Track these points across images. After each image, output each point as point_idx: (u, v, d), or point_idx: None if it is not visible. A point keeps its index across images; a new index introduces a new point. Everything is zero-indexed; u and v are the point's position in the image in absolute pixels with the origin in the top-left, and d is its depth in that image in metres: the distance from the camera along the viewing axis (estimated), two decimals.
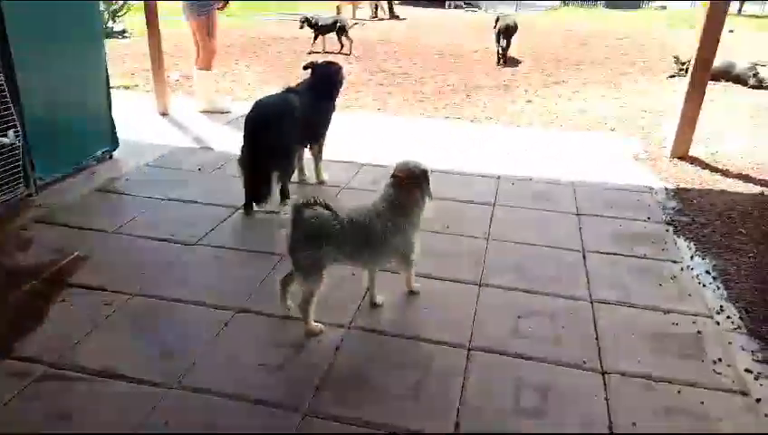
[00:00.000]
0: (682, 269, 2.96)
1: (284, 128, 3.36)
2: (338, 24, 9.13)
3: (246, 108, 3.49)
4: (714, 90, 6.81)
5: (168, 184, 3.86)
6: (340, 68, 3.83)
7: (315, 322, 2.40)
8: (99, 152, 4.21)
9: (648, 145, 4.91)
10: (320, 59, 4.16)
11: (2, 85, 3.30)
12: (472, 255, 3.07)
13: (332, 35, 9.20)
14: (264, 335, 2.43)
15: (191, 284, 2.77)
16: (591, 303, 2.67)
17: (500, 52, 8.36)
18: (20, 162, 3.49)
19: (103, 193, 3.78)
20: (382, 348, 2.35)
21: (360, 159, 4.40)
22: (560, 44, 10.27)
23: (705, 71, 4.29)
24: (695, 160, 4.50)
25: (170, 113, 5.52)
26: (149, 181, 3.95)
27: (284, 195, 3.53)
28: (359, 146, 4.69)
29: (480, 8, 17.22)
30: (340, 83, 3.84)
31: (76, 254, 2.99)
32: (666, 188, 4.01)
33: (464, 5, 17.60)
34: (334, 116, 3.88)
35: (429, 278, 2.83)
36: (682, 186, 4.04)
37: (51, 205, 3.54)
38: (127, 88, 6.58)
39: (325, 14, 9.90)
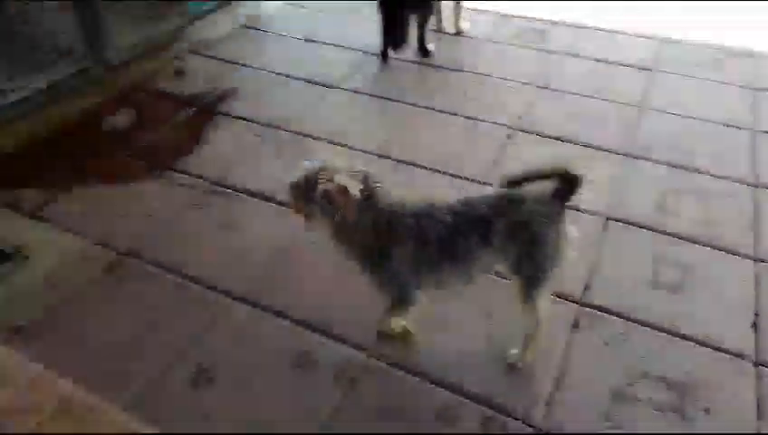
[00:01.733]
0: None
1: None
2: None
3: None
4: None
5: (307, 24, 3.84)
6: None
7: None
8: None
9: None
10: None
11: None
12: (622, 122, 2.83)
13: None
14: (400, 177, 2.49)
15: (332, 123, 2.85)
16: (756, 187, 2.40)
17: None
18: None
19: (249, 29, 3.86)
20: None
21: (505, 8, 4.04)
22: None
23: None
24: None
25: None
26: (292, 22, 3.94)
27: (422, 43, 3.40)
28: None
29: None
30: None
31: (227, 86, 3.16)
32: None
33: None
34: None
35: (571, 143, 2.68)
36: None
37: (201, 37, 3.69)
38: None
39: None
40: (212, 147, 2.71)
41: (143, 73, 3.27)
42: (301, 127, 2.82)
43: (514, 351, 1.71)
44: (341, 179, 1.39)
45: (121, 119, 2.91)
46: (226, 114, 2.94)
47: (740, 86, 3.13)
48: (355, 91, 3.14)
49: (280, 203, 2.32)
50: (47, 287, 1.98)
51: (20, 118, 2.75)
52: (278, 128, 2.81)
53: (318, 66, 3.35)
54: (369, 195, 1.44)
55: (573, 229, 1.57)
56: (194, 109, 2.99)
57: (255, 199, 2.37)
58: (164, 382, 1.68)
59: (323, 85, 3.19)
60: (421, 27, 3.37)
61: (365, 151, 2.63)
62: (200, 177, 2.50)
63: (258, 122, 2.86)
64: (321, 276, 2.02)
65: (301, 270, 2.06)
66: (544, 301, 1.61)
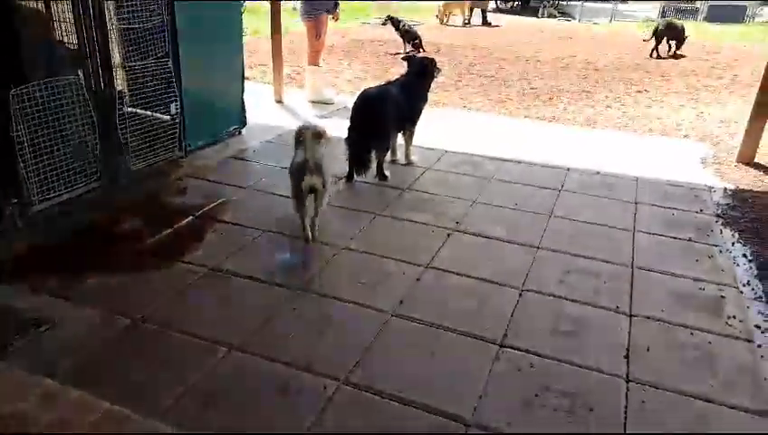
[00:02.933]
0: (720, 251, 3.39)
1: (385, 113, 4.11)
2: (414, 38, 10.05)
3: (349, 100, 4.31)
4: None
5: (285, 156, 4.70)
6: (434, 61, 4.52)
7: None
8: (231, 128, 5.17)
9: (718, 151, 5.21)
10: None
11: (170, 70, 4.27)
12: (535, 225, 3.65)
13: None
14: (362, 265, 3.16)
15: None
16: (632, 268, 3.18)
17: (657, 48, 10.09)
18: (177, 130, 4.48)
19: (236, 160, 4.71)
20: (453, 282, 3.01)
21: (444, 147, 5.07)
22: (647, 55, 10.38)
23: None
24: (761, 167, 4.78)
25: (285, 102, 6.46)
26: (270, 153, 4.84)
27: (380, 170, 4.28)
28: (444, 136, 5.35)
29: (574, 18, 17.31)
30: (434, 74, 4.53)
31: (221, 200, 3.89)
32: (725, 188, 4.36)
33: (557, 15, 17.75)
34: (425, 109, 4.59)
35: (496, 240, 3.46)
36: (741, 187, 4.37)
37: (197, 165, 4.49)
38: (248, 79, 7.63)
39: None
40: (211, 243, 3.35)
41: (149, 191, 3.99)
42: (283, 230, 3.51)
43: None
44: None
45: (131, 225, 3.54)
46: (222, 221, 3.62)
47: (624, 201, 4.07)
48: (327, 204, 3.91)
49: (263, 281, 2.94)
50: (72, 347, 2.46)
51: (41, 223, 3.37)
52: (265, 231, 3.49)
53: None
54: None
55: None
56: (194, 216, 3.67)
57: (246, 280, 2.98)
58: None
59: None
60: (379, 158, 4.27)
61: (332, 245, 3.32)
62: (202, 265, 3.10)
63: (248, 226, 3.55)
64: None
65: (287, 328, 2.63)
66: None
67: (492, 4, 17.25)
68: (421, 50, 10.08)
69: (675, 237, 3.55)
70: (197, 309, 2.75)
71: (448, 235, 3.51)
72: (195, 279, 2.98)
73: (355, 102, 4.19)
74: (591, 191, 4.24)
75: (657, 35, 10.11)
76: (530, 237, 3.49)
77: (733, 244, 3.51)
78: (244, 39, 11.05)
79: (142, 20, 3.96)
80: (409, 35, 10.20)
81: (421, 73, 4.44)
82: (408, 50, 10.05)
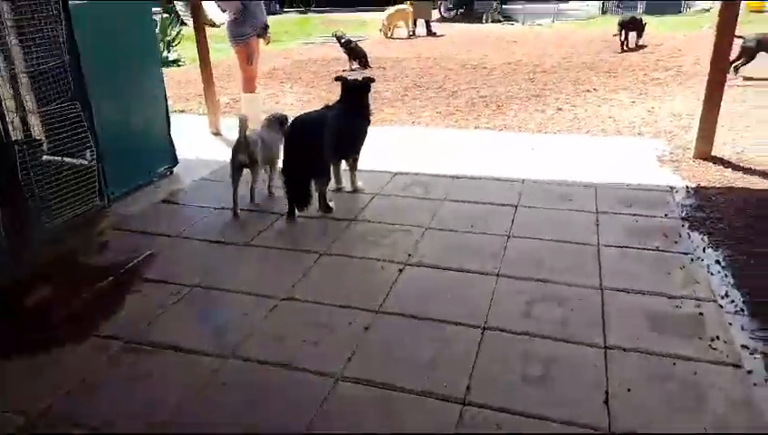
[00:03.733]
0: (692, 260, 3.15)
1: (319, 141, 3.74)
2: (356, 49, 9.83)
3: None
4: (746, 87, 6.86)
5: (220, 195, 4.32)
6: (368, 80, 4.18)
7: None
8: (161, 169, 4.74)
9: (674, 148, 5.05)
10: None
11: (79, 112, 3.83)
12: (492, 250, 3.35)
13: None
14: (304, 318, 2.79)
15: (242, 276, 3.18)
16: (601, 290, 2.90)
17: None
18: (95, 179, 4.02)
19: (165, 204, 4.28)
20: (407, 327, 2.67)
21: (393, 168, 4.75)
22: (594, 52, 10.39)
23: (721, 69, 4.45)
24: (718, 160, 4.63)
25: (222, 133, 6.05)
26: (204, 193, 4.43)
27: (322, 202, 3.91)
28: (392, 156, 5.04)
29: (517, 21, 17.40)
30: (367, 92, 4.13)
31: (147, 253, 3.46)
32: (686, 187, 4.16)
33: (501, 20, 17.83)
34: (370, 129, 4.26)
35: (452, 271, 3.13)
36: (702, 184, 4.19)
37: (121, 214, 4.05)
38: (182, 111, 7.20)
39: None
40: (131, 309, 2.92)
41: (64, 251, 3.53)
42: (215, 283, 3.11)
43: None
44: None
45: (39, 294, 3.08)
46: (146, 279, 3.20)
47: (584, 211, 3.82)
48: (266, 247, 3.53)
49: (190, 351, 2.54)
50: None
51: None
52: (193, 286, 3.09)
53: (231, 229, 3.77)
54: None
55: None
56: (113, 277, 3.23)
57: (167, 352, 2.56)
58: None
59: (236, 244, 3.56)
60: (320, 190, 3.90)
61: (270, 297, 2.94)
62: (117, 338, 2.67)
63: (174, 282, 3.13)
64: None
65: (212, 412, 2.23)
66: None
67: (435, 14, 17.21)
68: (368, 67, 9.81)
69: (642, 248, 3.30)
70: (107, 399, 2.33)
71: (400, 270, 3.17)
72: (106, 358, 2.55)
73: (288, 131, 3.83)
74: (549, 204, 3.97)
75: (623, 28, 10.55)
76: (488, 264, 3.18)
77: (704, 249, 3.28)
78: (181, 68, 10.71)
79: (37, 63, 3.52)
80: (355, 53, 9.92)
81: (357, 95, 4.10)
82: (353, 67, 9.78)
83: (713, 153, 4.70)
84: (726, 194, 4.02)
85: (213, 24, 13.95)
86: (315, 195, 3.88)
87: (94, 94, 3.91)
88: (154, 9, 14.04)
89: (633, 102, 6.80)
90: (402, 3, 14.81)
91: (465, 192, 4.24)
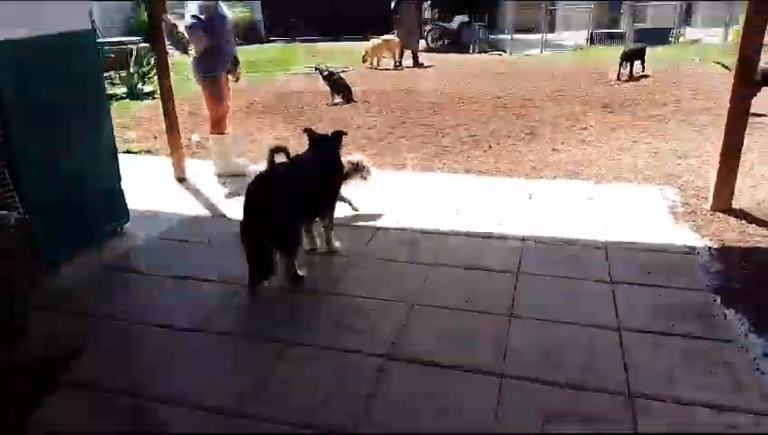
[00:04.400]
0: (736, 352, 2.60)
1: (284, 204, 3.17)
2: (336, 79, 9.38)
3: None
4: (751, 124, 6.44)
5: (176, 259, 3.72)
6: (338, 134, 3.67)
7: None
8: (109, 226, 4.13)
9: (686, 196, 4.56)
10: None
11: (2, 169, 3.24)
12: (493, 336, 2.78)
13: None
14: None
15: (185, 382, 2.56)
16: (630, 398, 2.33)
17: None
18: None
19: (109, 272, 3.65)
20: None
21: (376, 221, 4.20)
22: (587, 85, 10.02)
23: (743, 111, 3.97)
24: (739, 213, 4.13)
25: (188, 178, 5.47)
26: (158, 256, 3.82)
27: (290, 271, 3.32)
28: (375, 207, 4.48)
29: (505, 51, 17.17)
30: (337, 146, 3.66)
31: (74, 347, 2.83)
32: (708, 248, 3.65)
33: (488, 50, 17.59)
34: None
35: (444, 369, 2.55)
36: (727, 244, 3.67)
37: (51, 290, 3.39)
38: (148, 152, 6.63)
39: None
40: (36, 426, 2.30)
41: None
42: (156, 390, 2.50)
43: None
44: None
45: None
46: (69, 383, 2.57)
47: (597, 281, 3.27)
48: (219, 334, 2.93)
49: None
50: None
51: None
52: (132, 395, 2.47)
53: (183, 309, 3.15)
54: None
55: None
56: (29, 379, 2.60)
57: None
58: None
59: (188, 330, 2.96)
60: (287, 260, 3.31)
61: (219, 413, 2.34)
62: None
63: (103, 388, 2.51)
64: None
65: None
66: None
67: (423, 43, 16.92)
68: (351, 101, 9.33)
69: (671, 334, 2.76)
70: None
71: (380, 369, 2.58)
72: None
73: (246, 190, 3.25)
74: (555, 270, 3.43)
75: (627, 58, 10.34)
76: (488, 359, 2.61)
77: (746, 335, 2.73)
78: (156, 100, 10.14)
79: None
80: (338, 86, 9.43)
81: (327, 148, 3.57)
82: (335, 101, 9.29)
83: (733, 205, 4.21)
84: (756, 255, 3.51)
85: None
86: (282, 261, 3.30)
87: (19, 146, 3.32)
88: (131, 39, 13.68)
89: (634, 142, 6.33)
90: (389, 33, 14.49)
91: (457, 254, 3.69)
